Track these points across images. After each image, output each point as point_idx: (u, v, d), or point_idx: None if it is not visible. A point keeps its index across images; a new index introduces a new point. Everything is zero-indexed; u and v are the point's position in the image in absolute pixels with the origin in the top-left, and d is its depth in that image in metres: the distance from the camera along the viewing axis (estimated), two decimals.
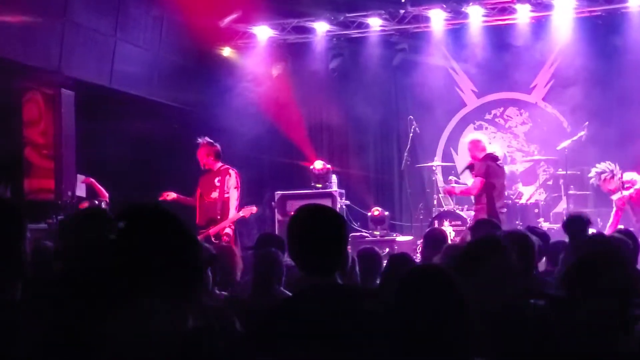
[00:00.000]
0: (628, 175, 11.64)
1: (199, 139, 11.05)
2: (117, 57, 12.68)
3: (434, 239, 7.59)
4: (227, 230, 10.76)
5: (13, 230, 2.91)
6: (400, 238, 14.05)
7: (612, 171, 11.62)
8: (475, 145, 11.49)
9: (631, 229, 8.53)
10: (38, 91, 10.22)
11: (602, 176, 11.61)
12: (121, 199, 11.80)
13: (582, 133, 13.05)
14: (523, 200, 13.40)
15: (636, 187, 11.43)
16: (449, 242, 8.65)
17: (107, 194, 11.19)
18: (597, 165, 11.85)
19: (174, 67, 14.13)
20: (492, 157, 11.36)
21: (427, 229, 9.63)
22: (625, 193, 11.38)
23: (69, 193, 9.98)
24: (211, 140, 11.07)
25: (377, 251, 7.29)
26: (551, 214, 13.68)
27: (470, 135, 12.60)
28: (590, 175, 11.98)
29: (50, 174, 9.98)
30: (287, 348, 3.29)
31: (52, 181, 9.92)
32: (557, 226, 11.14)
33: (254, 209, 11.14)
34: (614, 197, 11.54)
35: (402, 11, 14.78)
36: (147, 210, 2.53)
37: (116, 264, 2.32)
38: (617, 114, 13.82)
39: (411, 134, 14.11)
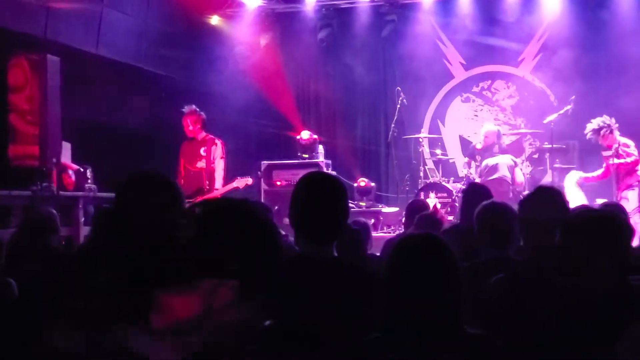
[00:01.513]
0: (623, 140, 11.66)
1: (186, 107, 11.01)
2: (104, 24, 12.59)
3: (416, 209, 7.61)
4: None
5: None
6: (386, 209, 14.07)
7: (609, 126, 11.62)
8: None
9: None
10: (23, 57, 10.11)
11: (602, 132, 11.59)
12: (107, 167, 11.78)
13: (569, 107, 13.06)
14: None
15: (627, 159, 11.44)
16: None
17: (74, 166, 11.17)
18: (592, 120, 11.83)
19: (161, 34, 14.04)
20: None
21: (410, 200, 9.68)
22: (616, 161, 11.41)
23: (54, 160, 9.92)
24: (198, 109, 11.03)
25: (367, 223, 7.29)
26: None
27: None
28: (586, 132, 11.91)
29: (35, 140, 9.89)
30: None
31: (37, 147, 9.85)
32: None
33: (249, 180, 11.13)
34: (606, 153, 11.54)
35: None
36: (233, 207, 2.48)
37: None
38: (604, 87, 13.82)
39: (398, 106, 14.10)
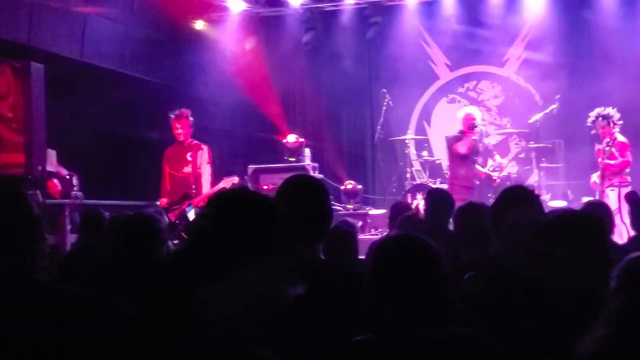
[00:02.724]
0: (621, 139, 11.52)
1: (176, 110, 10.98)
2: (88, 31, 12.58)
3: (399, 211, 7.64)
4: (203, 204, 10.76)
5: None
6: (373, 211, 14.08)
7: (613, 117, 11.43)
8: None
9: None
10: (7, 64, 10.10)
11: (611, 120, 11.37)
12: (93, 174, 11.76)
13: (554, 106, 13.10)
14: (504, 173, 13.41)
15: (615, 161, 11.35)
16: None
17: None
18: (592, 112, 11.66)
19: (146, 40, 14.03)
20: None
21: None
22: (605, 161, 11.31)
23: (39, 168, 9.90)
24: (189, 113, 11.03)
25: (354, 224, 7.31)
26: None
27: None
28: (590, 117, 11.67)
29: (20, 148, 9.88)
30: None
31: (22, 155, 9.83)
32: None
33: (235, 179, 11.12)
34: (599, 146, 11.41)
35: None
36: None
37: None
38: (589, 86, 13.86)
39: (384, 108, 14.12)
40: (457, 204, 7.09)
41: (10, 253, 2.92)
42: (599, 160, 11.35)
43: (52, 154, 10.82)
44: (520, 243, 3.58)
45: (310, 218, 3.52)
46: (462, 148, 12.15)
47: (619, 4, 13.98)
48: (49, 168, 10.48)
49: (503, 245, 3.94)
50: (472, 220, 4.77)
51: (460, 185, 11.94)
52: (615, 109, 11.46)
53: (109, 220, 6.79)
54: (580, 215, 3.66)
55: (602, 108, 11.45)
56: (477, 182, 12.41)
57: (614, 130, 11.43)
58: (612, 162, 11.34)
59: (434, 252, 3.00)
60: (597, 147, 11.51)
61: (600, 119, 11.39)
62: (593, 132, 11.62)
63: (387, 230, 8.93)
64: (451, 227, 7.27)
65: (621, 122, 11.44)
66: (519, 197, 4.16)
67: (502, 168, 13.22)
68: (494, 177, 12.59)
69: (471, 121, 12.22)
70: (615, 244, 6.00)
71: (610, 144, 11.26)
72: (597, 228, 3.46)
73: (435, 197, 7.35)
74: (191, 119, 11.00)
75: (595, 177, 11.49)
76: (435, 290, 2.91)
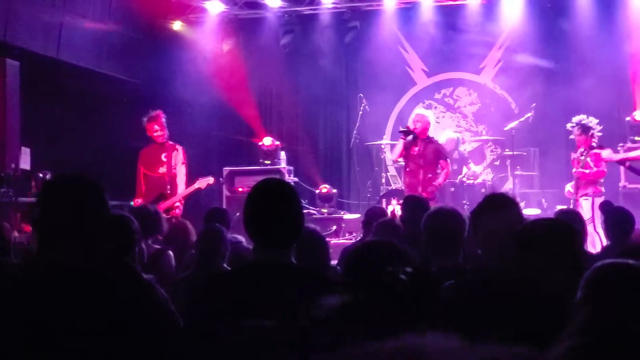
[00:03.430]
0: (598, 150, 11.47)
1: (151, 112, 10.94)
2: (65, 28, 12.50)
3: (374, 216, 7.64)
4: (178, 204, 10.74)
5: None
6: (348, 216, 14.10)
7: (593, 130, 11.35)
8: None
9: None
10: None
11: (589, 132, 11.27)
12: (68, 172, 11.67)
13: (529, 114, 13.17)
14: (479, 180, 13.46)
15: (589, 171, 11.35)
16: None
17: None
18: (582, 115, 11.57)
19: (123, 39, 13.96)
20: None
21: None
22: (580, 170, 11.28)
23: (12, 165, 9.84)
24: (163, 114, 11.00)
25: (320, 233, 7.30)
26: None
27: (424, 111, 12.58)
28: (572, 123, 11.55)
29: None
30: (215, 325, 3.28)
31: None
32: None
33: (210, 179, 11.09)
34: (575, 155, 11.35)
35: None
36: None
37: None
38: (564, 95, 13.95)
39: (361, 112, 14.13)
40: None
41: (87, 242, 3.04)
42: (574, 170, 11.37)
43: (26, 152, 10.75)
44: (497, 250, 3.59)
45: (282, 222, 3.50)
46: (391, 155, 11.93)
47: (595, 13, 14.06)
48: (23, 166, 10.40)
49: (484, 252, 3.94)
50: (439, 226, 4.74)
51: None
52: (597, 121, 11.41)
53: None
54: (553, 223, 3.67)
55: (585, 116, 11.39)
56: (431, 190, 11.40)
57: (593, 141, 11.37)
58: (586, 171, 11.37)
59: (407, 258, 2.99)
60: (573, 155, 11.53)
61: (579, 127, 11.33)
62: (571, 137, 11.61)
63: (362, 235, 8.93)
64: None
65: (600, 133, 11.43)
66: (499, 203, 4.16)
67: (476, 176, 13.26)
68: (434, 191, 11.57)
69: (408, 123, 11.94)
70: (588, 253, 6.03)
71: (584, 153, 11.27)
72: (570, 236, 3.47)
73: (411, 204, 7.35)
74: (164, 118, 10.98)
75: (569, 187, 11.51)
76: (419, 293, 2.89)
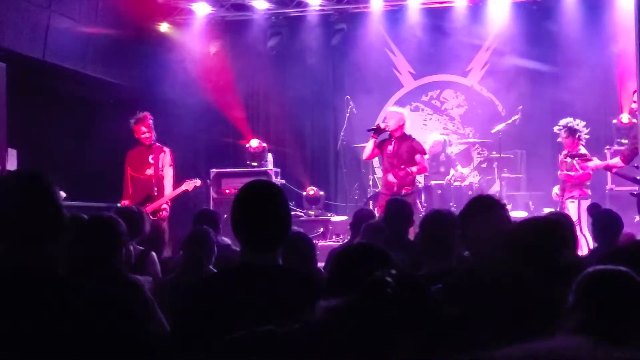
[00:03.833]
0: (584, 151, 11.50)
1: (139, 114, 10.92)
2: (51, 30, 12.45)
3: (362, 218, 7.64)
4: (165, 206, 10.73)
5: None
6: (335, 218, 14.10)
7: (580, 132, 11.38)
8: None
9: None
10: None
11: (576, 135, 11.28)
12: (52, 174, 11.62)
13: (516, 117, 13.21)
14: (466, 182, 13.48)
15: (575, 173, 11.37)
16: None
17: None
18: (569, 118, 11.57)
19: (110, 41, 13.90)
20: None
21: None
22: (565, 172, 11.31)
23: (0, 167, 9.81)
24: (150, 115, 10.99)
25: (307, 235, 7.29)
26: None
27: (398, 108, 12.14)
28: (559, 126, 11.56)
29: None
30: (202, 327, 3.27)
31: None
32: None
33: (197, 182, 11.10)
34: (567, 159, 11.36)
35: None
36: None
37: None
38: (551, 97, 14.00)
39: (348, 114, 14.12)
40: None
41: (30, 243, 2.81)
42: (559, 172, 11.40)
43: (12, 154, 10.71)
44: (486, 251, 3.59)
45: (269, 224, 3.50)
46: (363, 155, 11.76)
47: (582, 15, 14.12)
48: (9, 167, 10.36)
49: (471, 254, 3.94)
50: (435, 228, 4.75)
51: (382, 194, 11.31)
52: (584, 123, 11.41)
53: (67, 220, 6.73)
54: (541, 225, 3.67)
55: (572, 119, 11.40)
56: (406, 191, 11.03)
57: (580, 144, 11.39)
58: (571, 173, 11.38)
59: (392, 261, 2.99)
60: (560, 158, 11.55)
61: (566, 130, 11.34)
62: (559, 140, 11.62)
63: (349, 237, 8.93)
64: (411, 237, 7.30)
65: (587, 136, 11.45)
66: (487, 205, 4.16)
67: (463, 178, 13.28)
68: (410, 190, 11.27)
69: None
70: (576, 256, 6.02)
71: (570, 155, 11.29)
72: (559, 238, 3.48)
73: (393, 207, 7.34)
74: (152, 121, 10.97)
75: (556, 189, 11.54)
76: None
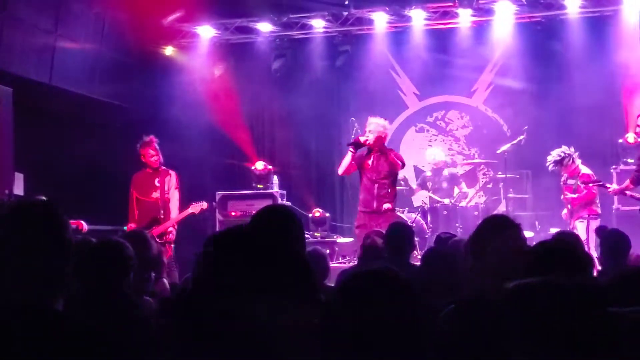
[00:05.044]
0: (585, 170, 11.68)
1: (145, 138, 10.95)
2: (58, 54, 12.51)
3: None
4: (171, 229, 10.74)
5: None
6: (341, 240, 14.07)
7: (570, 155, 11.62)
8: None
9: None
10: None
11: (565, 162, 11.55)
12: (59, 198, 11.64)
13: (522, 137, 13.21)
14: (463, 203, 13.50)
15: (580, 194, 11.44)
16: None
17: None
18: (552, 152, 11.81)
19: (115, 65, 13.97)
20: None
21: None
22: (569, 195, 11.45)
23: (6, 191, 9.82)
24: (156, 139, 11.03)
25: (325, 253, 7.30)
26: None
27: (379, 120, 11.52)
28: (547, 164, 11.85)
29: None
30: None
31: None
32: None
33: (204, 204, 11.13)
34: (571, 182, 11.52)
35: (345, 13, 14.80)
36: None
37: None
38: (556, 117, 14.01)
39: (353, 136, 14.08)
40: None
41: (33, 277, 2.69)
42: (562, 197, 11.47)
43: (19, 177, 10.73)
44: (505, 272, 3.56)
45: (287, 243, 3.51)
46: (339, 170, 11.37)
47: (586, 35, 14.12)
48: (16, 192, 10.38)
49: (488, 275, 3.89)
50: (441, 266, 4.71)
51: (360, 212, 11.11)
52: (566, 147, 11.67)
53: (75, 245, 6.73)
54: (556, 246, 3.67)
55: (553, 153, 11.68)
56: (387, 207, 10.91)
57: (575, 162, 11.58)
58: (574, 195, 11.44)
59: (409, 287, 2.96)
60: (570, 182, 11.66)
61: (555, 164, 11.64)
62: (555, 168, 11.82)
63: (357, 258, 8.92)
64: (412, 260, 7.29)
65: (577, 152, 11.62)
66: (501, 225, 4.11)
67: (467, 196, 13.31)
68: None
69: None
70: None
71: (571, 178, 11.43)
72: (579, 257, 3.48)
73: (393, 231, 7.30)
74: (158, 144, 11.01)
75: (566, 211, 11.63)
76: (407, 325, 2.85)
